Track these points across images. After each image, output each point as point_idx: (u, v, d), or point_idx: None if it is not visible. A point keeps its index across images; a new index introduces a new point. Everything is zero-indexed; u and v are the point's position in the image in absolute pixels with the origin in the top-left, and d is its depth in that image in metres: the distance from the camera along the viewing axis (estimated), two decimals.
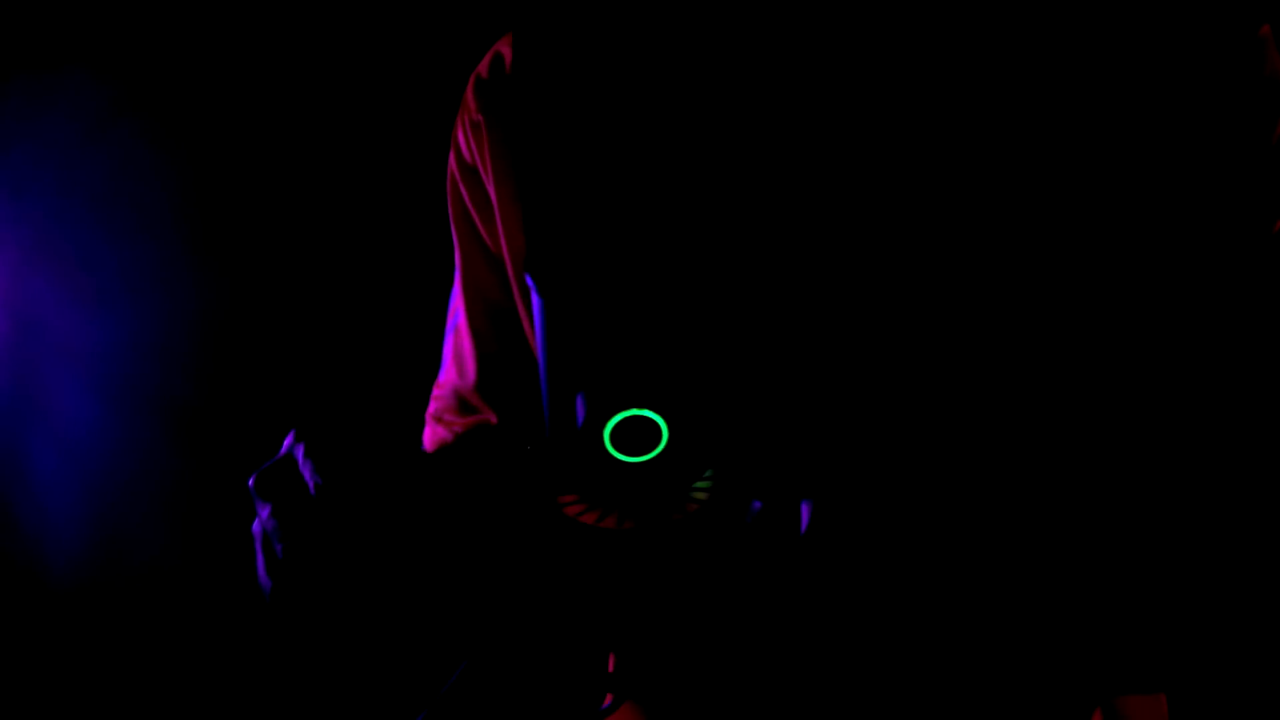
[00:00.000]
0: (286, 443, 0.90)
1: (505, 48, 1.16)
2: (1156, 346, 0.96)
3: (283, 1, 2.06)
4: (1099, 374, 0.96)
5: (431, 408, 1.26)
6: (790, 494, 0.88)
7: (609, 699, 0.97)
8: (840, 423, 0.97)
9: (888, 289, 0.97)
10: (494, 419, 1.20)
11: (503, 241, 1.14)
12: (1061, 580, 0.89)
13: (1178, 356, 0.96)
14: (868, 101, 0.99)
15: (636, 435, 0.89)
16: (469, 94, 1.17)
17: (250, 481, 0.88)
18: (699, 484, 0.89)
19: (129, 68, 2.06)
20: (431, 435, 1.26)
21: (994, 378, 0.96)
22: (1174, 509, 0.94)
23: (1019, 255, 0.96)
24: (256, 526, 0.89)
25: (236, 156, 2.08)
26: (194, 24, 2.06)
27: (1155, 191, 0.96)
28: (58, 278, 2.08)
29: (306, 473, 0.88)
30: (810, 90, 1.00)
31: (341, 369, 2.11)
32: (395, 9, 2.07)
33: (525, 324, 1.15)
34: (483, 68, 1.17)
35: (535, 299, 0.91)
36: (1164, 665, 0.90)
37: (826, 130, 0.99)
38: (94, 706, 2.11)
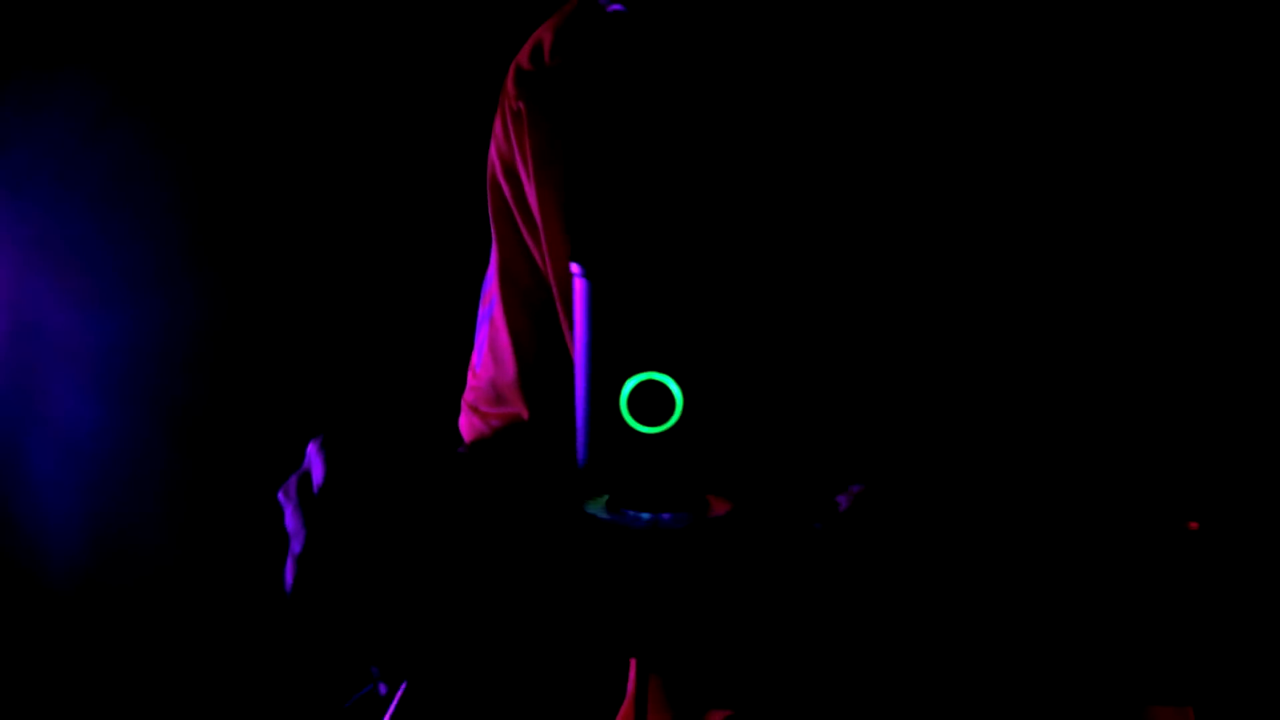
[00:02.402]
0: (310, 450, 0.91)
1: (546, 34, 1.15)
2: (1169, 348, 0.97)
3: (281, 1, 2.06)
4: (1120, 380, 0.97)
5: (468, 396, 1.26)
6: (828, 497, 0.89)
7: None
8: (869, 421, 0.98)
9: (905, 283, 0.98)
10: (525, 414, 1.20)
11: (543, 240, 1.14)
12: (1090, 590, 0.90)
13: (1190, 359, 0.96)
14: (884, 103, 1.00)
15: (653, 405, 0.89)
16: (509, 83, 1.16)
17: (279, 494, 0.89)
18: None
19: (128, 68, 2.06)
20: (467, 425, 1.26)
21: (1018, 383, 0.97)
22: (1201, 519, 0.94)
23: (1037, 260, 0.97)
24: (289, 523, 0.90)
25: (236, 157, 2.08)
26: (193, 24, 2.06)
27: (1159, 190, 0.97)
28: (57, 278, 2.07)
29: (325, 471, 0.89)
30: (834, 91, 1.01)
31: (344, 369, 2.11)
32: (392, 6, 2.07)
33: (563, 321, 1.15)
34: (523, 56, 1.16)
35: (580, 285, 0.90)
36: (1192, 677, 0.90)
37: (851, 128, 1.00)
38: (94, 706, 2.11)
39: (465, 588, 0.87)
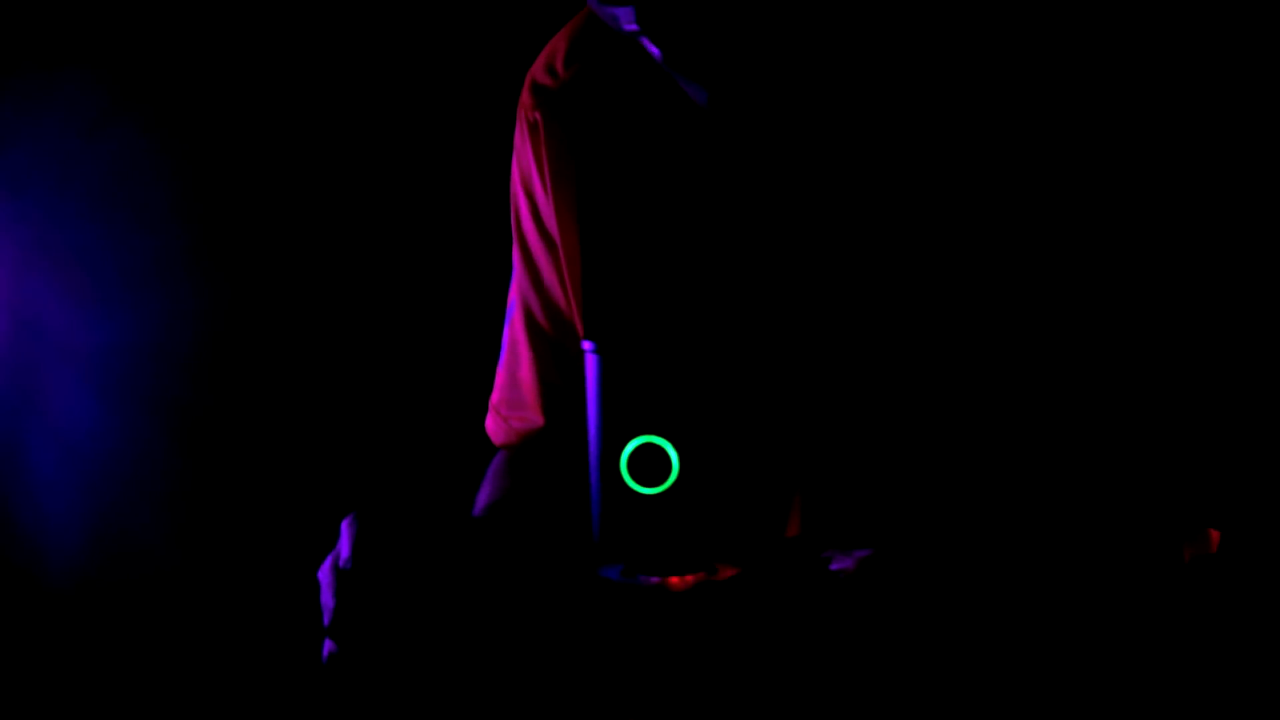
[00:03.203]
0: (342, 528, 0.93)
1: (561, 43, 1.15)
2: (1186, 365, 0.97)
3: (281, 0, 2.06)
4: (1141, 399, 0.97)
5: (493, 397, 1.27)
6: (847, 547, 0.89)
7: None
8: (889, 464, 0.98)
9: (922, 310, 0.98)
10: (540, 421, 1.22)
11: (560, 255, 1.14)
12: (1107, 607, 0.91)
13: (1207, 372, 0.97)
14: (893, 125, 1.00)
15: (653, 467, 0.91)
16: (525, 93, 1.16)
17: (319, 573, 0.93)
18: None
19: (127, 67, 2.05)
20: (493, 427, 1.27)
21: (1034, 441, 0.97)
22: (1223, 534, 0.95)
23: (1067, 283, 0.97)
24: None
25: (236, 155, 2.08)
26: (192, 23, 2.06)
27: (1158, 191, 0.97)
28: (57, 277, 2.07)
29: (351, 549, 0.91)
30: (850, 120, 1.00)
31: (345, 370, 2.11)
32: (388, 7, 2.07)
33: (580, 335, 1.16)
34: (538, 66, 1.16)
35: (592, 361, 0.91)
36: (1214, 692, 0.91)
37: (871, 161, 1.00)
38: (94, 706, 2.12)
39: (483, 651, 0.90)
